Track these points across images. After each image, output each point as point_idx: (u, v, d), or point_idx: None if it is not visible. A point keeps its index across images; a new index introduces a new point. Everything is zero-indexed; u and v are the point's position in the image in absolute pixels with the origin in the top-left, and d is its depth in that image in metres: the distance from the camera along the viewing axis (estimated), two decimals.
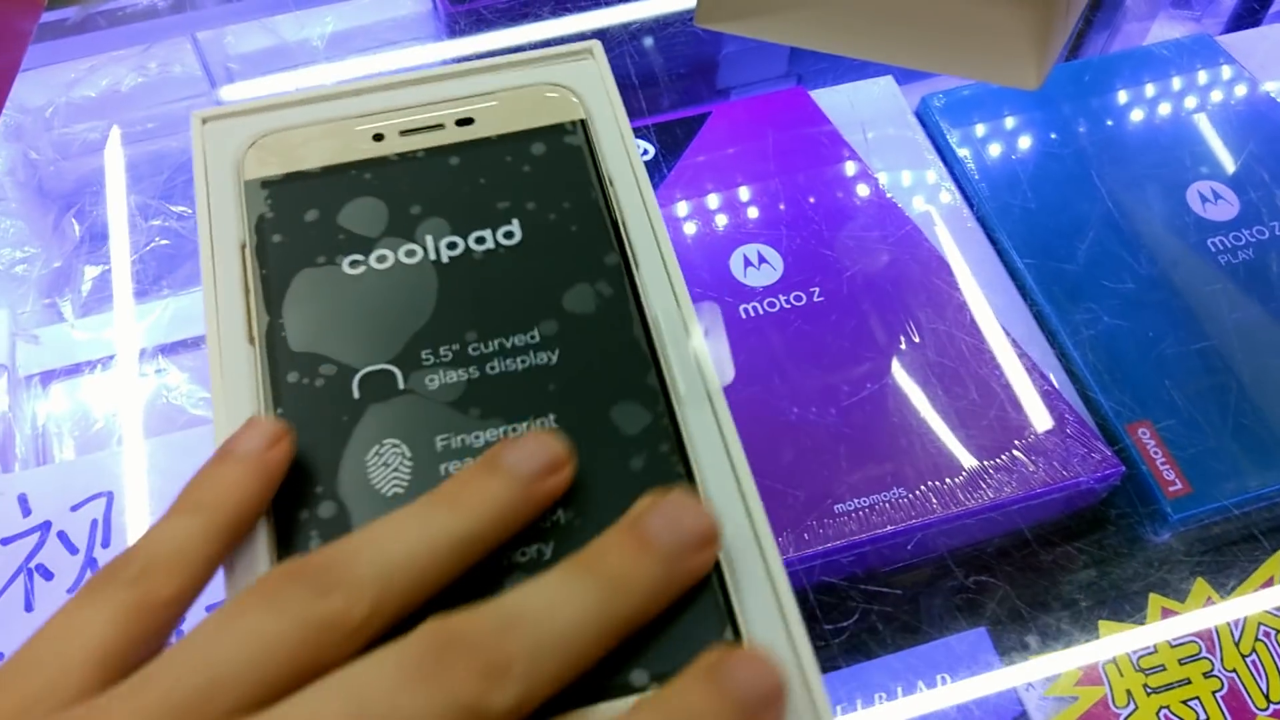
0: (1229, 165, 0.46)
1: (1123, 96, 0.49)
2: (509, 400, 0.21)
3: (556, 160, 0.25)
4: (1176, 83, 0.49)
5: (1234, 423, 0.38)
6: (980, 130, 0.48)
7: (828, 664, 0.35)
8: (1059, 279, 0.42)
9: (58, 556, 0.37)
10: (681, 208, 0.46)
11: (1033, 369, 0.40)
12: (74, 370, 0.42)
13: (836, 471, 0.38)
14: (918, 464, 0.38)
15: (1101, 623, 0.36)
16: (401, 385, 0.21)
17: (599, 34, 0.51)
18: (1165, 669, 0.35)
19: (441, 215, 0.24)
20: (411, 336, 0.22)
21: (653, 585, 0.18)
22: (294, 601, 0.17)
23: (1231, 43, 0.51)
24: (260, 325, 0.22)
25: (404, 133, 0.25)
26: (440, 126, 0.25)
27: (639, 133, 0.48)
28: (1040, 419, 0.39)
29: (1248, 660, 0.35)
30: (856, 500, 0.37)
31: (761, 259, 0.44)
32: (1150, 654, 0.35)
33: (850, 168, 0.47)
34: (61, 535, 0.37)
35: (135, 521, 0.37)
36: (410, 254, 0.23)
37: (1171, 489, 0.37)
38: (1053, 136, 0.47)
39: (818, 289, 0.43)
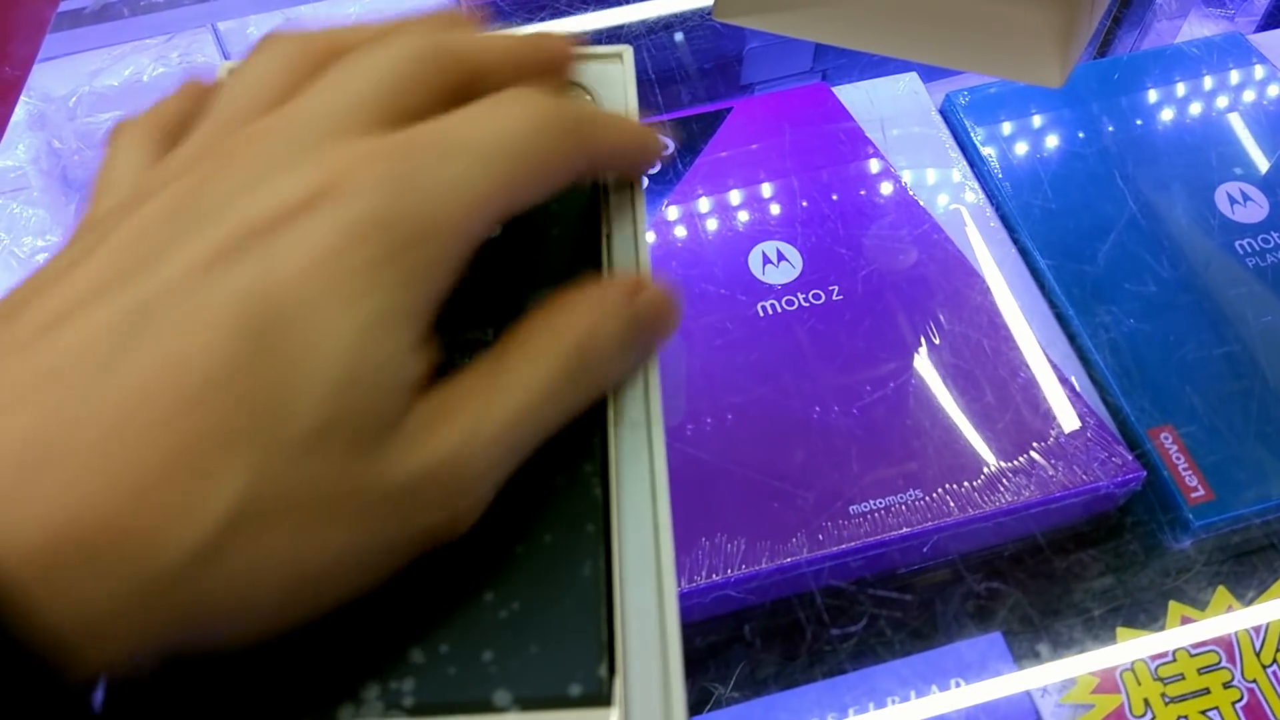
0: (1260, 166, 0.45)
1: (1151, 95, 0.48)
2: None
3: None
4: (1207, 82, 0.49)
5: (1258, 429, 0.38)
6: (1005, 129, 0.47)
7: (834, 668, 0.35)
8: (1081, 280, 0.42)
9: None
10: (702, 204, 0.45)
11: (1053, 371, 0.39)
12: None
13: (851, 472, 0.37)
14: (935, 466, 0.37)
15: (1119, 630, 0.35)
16: None
17: (618, 29, 0.51)
18: (1184, 678, 0.34)
19: None
20: None
21: None
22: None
23: (1264, 42, 0.50)
24: None
25: None
26: None
27: (659, 128, 0.47)
28: (1060, 422, 0.38)
29: (1269, 671, 0.34)
30: (871, 502, 0.37)
31: (781, 256, 0.44)
32: (1169, 662, 0.34)
33: (872, 165, 0.46)
34: None
35: None
36: None
37: (1193, 495, 0.36)
38: (1079, 135, 0.47)
39: (837, 287, 0.42)
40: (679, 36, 0.53)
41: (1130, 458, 0.37)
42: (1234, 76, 0.49)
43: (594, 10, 0.52)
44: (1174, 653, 0.34)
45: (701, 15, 0.51)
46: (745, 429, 0.38)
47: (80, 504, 0.14)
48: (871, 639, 0.35)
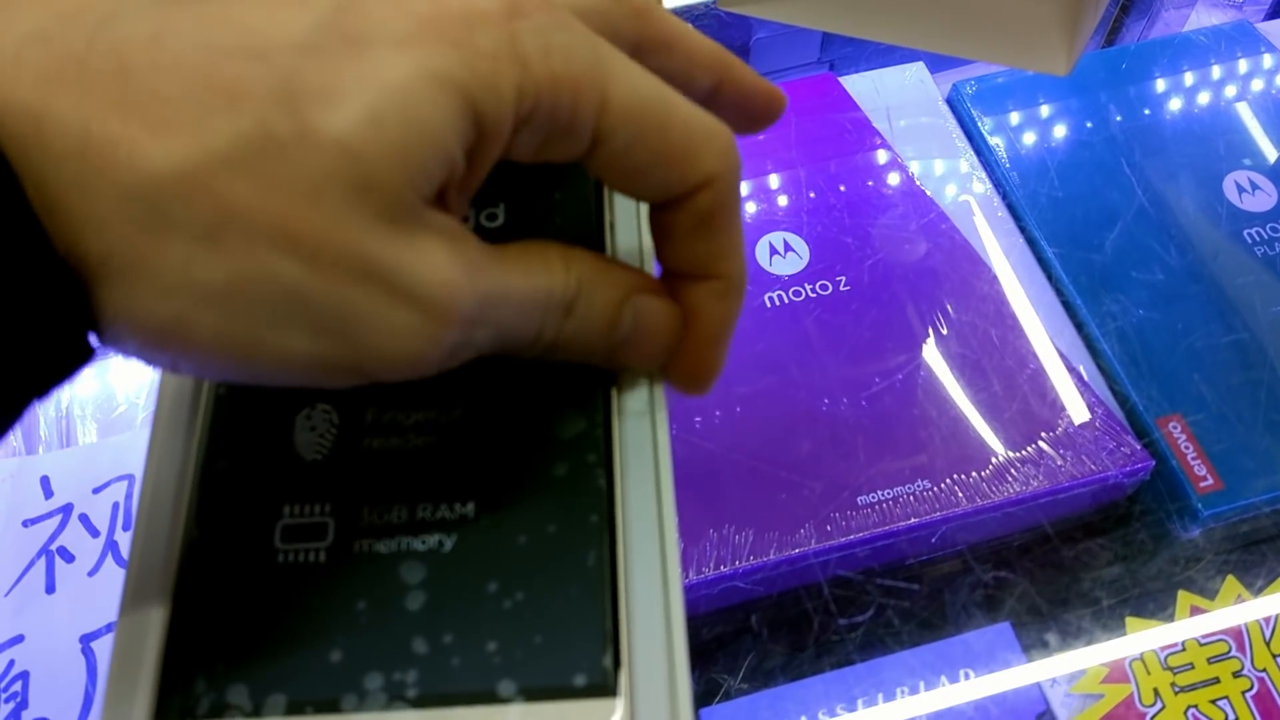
0: (1268, 155, 0.45)
1: (1159, 84, 0.48)
2: (442, 385, 0.20)
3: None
4: (1215, 71, 0.48)
5: (1267, 418, 0.37)
6: (1012, 118, 0.47)
7: (842, 659, 0.35)
8: (1089, 269, 0.42)
9: (79, 539, 0.37)
10: None
11: (1061, 360, 0.39)
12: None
13: (859, 462, 0.37)
14: (942, 456, 0.37)
15: (1128, 619, 0.35)
16: None
17: None
18: (1193, 667, 0.34)
19: None
20: None
21: None
22: None
23: (1272, 30, 0.50)
24: None
25: None
26: None
27: None
28: (1068, 412, 0.38)
29: (1278, 660, 0.34)
30: (879, 492, 0.37)
31: (788, 247, 0.43)
32: (1178, 652, 0.34)
33: (879, 155, 0.46)
34: (83, 518, 0.38)
35: None
36: None
37: (1202, 484, 0.36)
38: (1086, 125, 0.47)
39: (844, 278, 0.42)
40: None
41: (1138, 447, 0.37)
42: (1242, 65, 0.48)
43: None
44: (1183, 642, 0.34)
45: (707, 5, 0.51)
46: (752, 420, 0.38)
47: (93, 107, 0.14)
48: (880, 629, 0.35)
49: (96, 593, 0.36)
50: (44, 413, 0.41)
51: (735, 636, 0.36)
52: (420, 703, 0.17)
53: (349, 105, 0.15)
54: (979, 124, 0.47)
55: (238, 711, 0.17)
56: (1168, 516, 0.37)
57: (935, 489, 0.36)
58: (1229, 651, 0.34)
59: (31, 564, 0.37)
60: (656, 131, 0.18)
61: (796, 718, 0.34)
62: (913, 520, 0.36)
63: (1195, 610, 0.35)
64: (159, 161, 0.14)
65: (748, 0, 0.35)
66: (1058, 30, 0.32)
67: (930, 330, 0.40)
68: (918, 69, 0.49)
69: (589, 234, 0.23)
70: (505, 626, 0.18)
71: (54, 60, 0.14)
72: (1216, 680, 0.34)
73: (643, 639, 0.18)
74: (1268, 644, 0.34)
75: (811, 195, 0.45)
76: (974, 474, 0.37)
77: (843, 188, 0.45)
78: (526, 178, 0.23)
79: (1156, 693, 0.34)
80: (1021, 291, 0.41)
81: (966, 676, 0.34)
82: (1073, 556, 0.37)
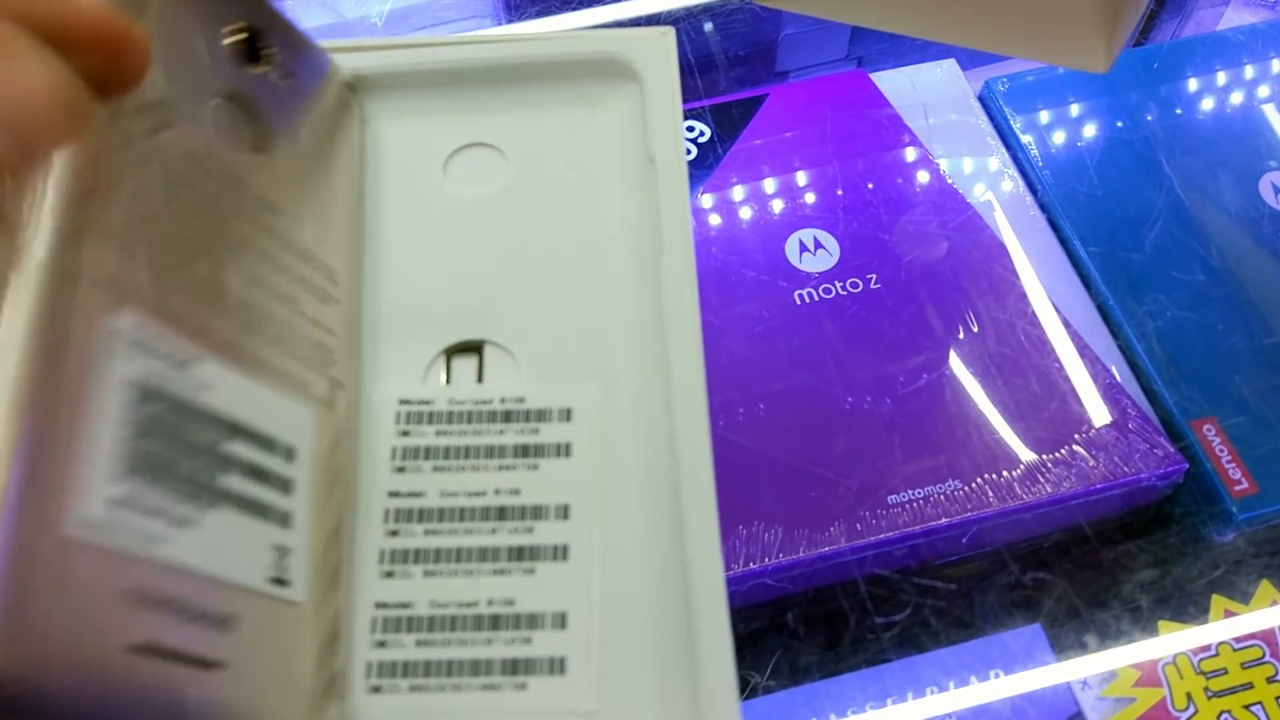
0: None
1: (1193, 83, 0.48)
2: None
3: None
4: (1249, 70, 0.48)
5: None
6: (1045, 116, 0.47)
7: (878, 656, 0.34)
8: (1124, 269, 0.41)
9: None
10: (737, 191, 0.45)
11: (1095, 361, 0.39)
12: None
13: (891, 461, 0.37)
14: (974, 456, 0.37)
15: (1161, 623, 0.35)
16: None
17: (656, 16, 0.51)
18: (1227, 672, 0.34)
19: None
20: None
21: None
22: None
23: None
24: None
25: None
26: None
27: (695, 114, 0.47)
28: (1101, 413, 0.38)
29: None
30: (910, 491, 0.36)
31: (818, 244, 0.43)
32: (1212, 656, 0.34)
33: (910, 153, 0.46)
34: None
35: None
36: None
37: (1237, 488, 0.36)
38: (1119, 123, 0.46)
39: (875, 275, 0.42)
40: (710, 26, 0.53)
41: (1172, 450, 0.37)
42: (1276, 65, 0.48)
43: None
44: (1217, 646, 0.34)
45: (738, 0, 0.51)
46: (782, 417, 0.38)
47: None
48: (915, 628, 0.35)
49: None
50: None
51: (765, 634, 0.36)
52: None
53: None
54: (1011, 122, 0.46)
55: None
56: (1202, 520, 0.37)
57: (966, 489, 0.36)
58: (1263, 656, 0.34)
59: None
60: None
61: (826, 715, 0.34)
62: (943, 520, 0.36)
63: (1229, 614, 0.35)
64: None
65: None
66: (1097, 27, 0.31)
67: (962, 329, 0.40)
68: (949, 66, 0.49)
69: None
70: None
71: None
72: (1250, 685, 0.34)
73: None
74: None
75: (841, 192, 0.45)
76: (1005, 474, 0.37)
77: (872, 185, 0.45)
78: None
79: (1189, 697, 0.33)
80: (1055, 291, 0.41)
81: (997, 676, 0.34)
82: (1109, 559, 0.37)
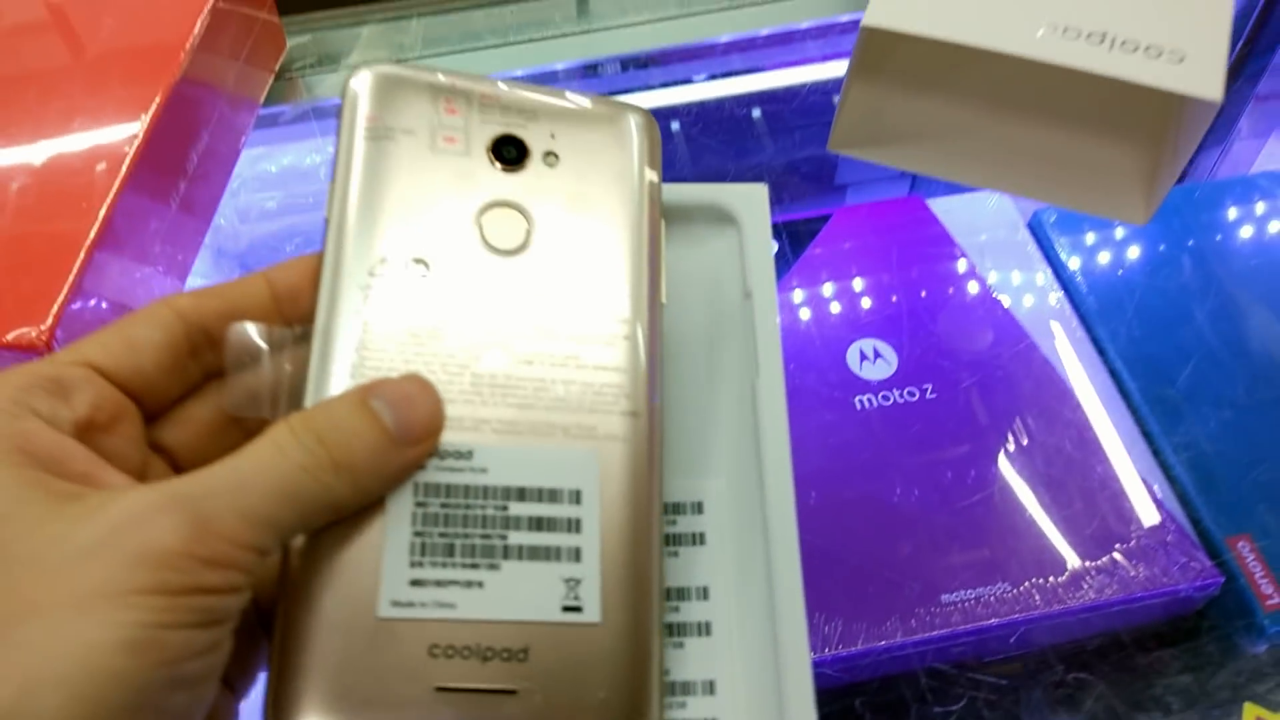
0: None
1: (1233, 220, 0.51)
2: None
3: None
4: None
5: None
6: (1090, 245, 0.51)
7: None
8: (1164, 392, 0.45)
9: None
10: (801, 299, 0.49)
11: (1136, 477, 0.42)
12: None
13: (944, 563, 0.40)
14: (1022, 561, 0.40)
15: None
16: None
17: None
18: None
19: None
20: None
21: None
22: None
23: None
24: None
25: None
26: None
27: None
28: (1142, 526, 0.41)
29: None
30: (962, 591, 0.40)
31: (877, 354, 0.47)
32: None
33: (965, 275, 0.50)
34: None
35: None
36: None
37: (1269, 602, 0.39)
38: (1163, 256, 0.50)
39: (930, 385, 0.46)
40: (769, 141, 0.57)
41: (1209, 564, 0.40)
42: None
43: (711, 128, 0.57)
44: None
45: (800, 125, 0.55)
46: (844, 518, 0.42)
47: None
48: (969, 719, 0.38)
49: None
50: None
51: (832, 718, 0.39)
52: None
53: None
54: (1059, 249, 0.50)
55: None
56: (1235, 631, 0.40)
57: (1015, 591, 0.39)
58: None
59: None
60: None
61: None
62: (992, 620, 0.39)
63: None
64: None
65: (854, 144, 0.39)
66: (1138, 181, 0.35)
67: (1012, 441, 0.44)
68: (1000, 196, 0.53)
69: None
70: None
71: None
72: None
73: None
74: None
75: (899, 306, 0.49)
76: (1051, 579, 0.40)
77: (929, 302, 0.49)
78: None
79: None
80: (1098, 410, 0.44)
81: None
82: (1145, 664, 0.39)
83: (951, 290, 0.49)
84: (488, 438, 0.22)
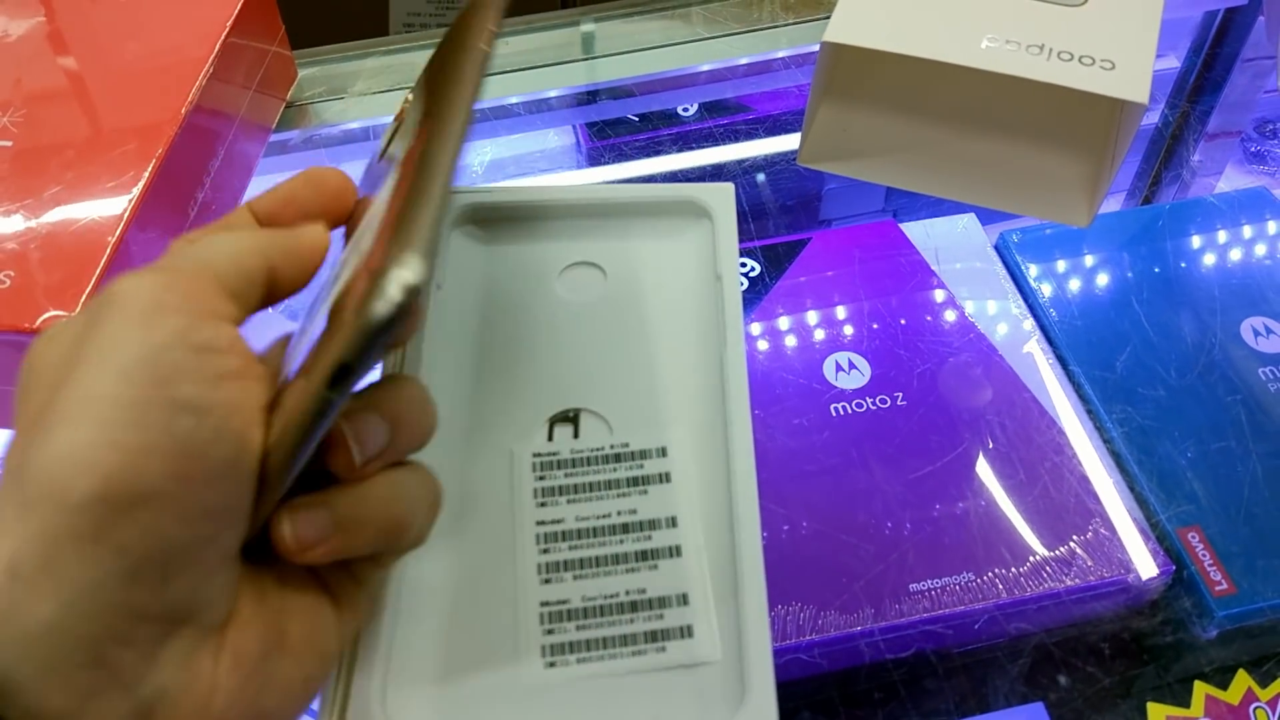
0: None
1: (1189, 240, 0.54)
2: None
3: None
4: (1241, 230, 0.55)
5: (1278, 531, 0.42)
6: (1052, 263, 0.54)
7: None
8: (1121, 396, 0.47)
9: None
10: (782, 319, 0.52)
11: (1095, 475, 0.45)
12: None
13: (914, 554, 0.42)
14: (986, 552, 0.42)
15: (1150, 704, 0.39)
16: None
17: (718, 169, 0.59)
18: None
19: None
20: None
21: None
22: None
23: None
24: None
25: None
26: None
27: (748, 253, 0.55)
28: (1100, 519, 0.43)
29: None
30: (929, 581, 0.42)
31: (851, 365, 0.50)
32: None
33: (935, 292, 0.53)
34: None
35: None
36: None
37: (1218, 588, 0.41)
38: (1118, 271, 0.53)
39: (901, 394, 0.48)
40: (762, 178, 0.61)
41: (1161, 553, 0.42)
42: (1269, 227, 0.55)
43: (695, 150, 0.61)
44: None
45: (787, 160, 0.59)
46: (816, 512, 0.44)
47: None
48: (934, 702, 0.40)
49: None
50: None
51: (800, 709, 0.41)
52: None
53: None
54: (1022, 267, 0.53)
55: None
56: (1187, 616, 0.42)
57: (979, 581, 0.42)
58: None
59: None
60: None
61: None
62: (958, 607, 0.41)
63: (1210, 699, 0.39)
64: None
65: (822, 159, 0.42)
66: (1081, 190, 0.38)
67: (976, 441, 0.46)
68: (969, 219, 0.56)
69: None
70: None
71: None
72: None
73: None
74: None
75: (871, 322, 0.51)
76: (1013, 570, 0.42)
77: (899, 317, 0.52)
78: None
79: None
80: (1058, 412, 0.47)
81: None
82: (1102, 647, 0.41)
83: (920, 306, 0.52)
84: None
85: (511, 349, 0.31)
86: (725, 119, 0.63)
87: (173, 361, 0.21)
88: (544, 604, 0.27)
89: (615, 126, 0.62)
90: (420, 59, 0.63)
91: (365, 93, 0.56)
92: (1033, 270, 0.53)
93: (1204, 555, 0.42)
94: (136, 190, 0.40)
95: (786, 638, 0.40)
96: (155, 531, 0.20)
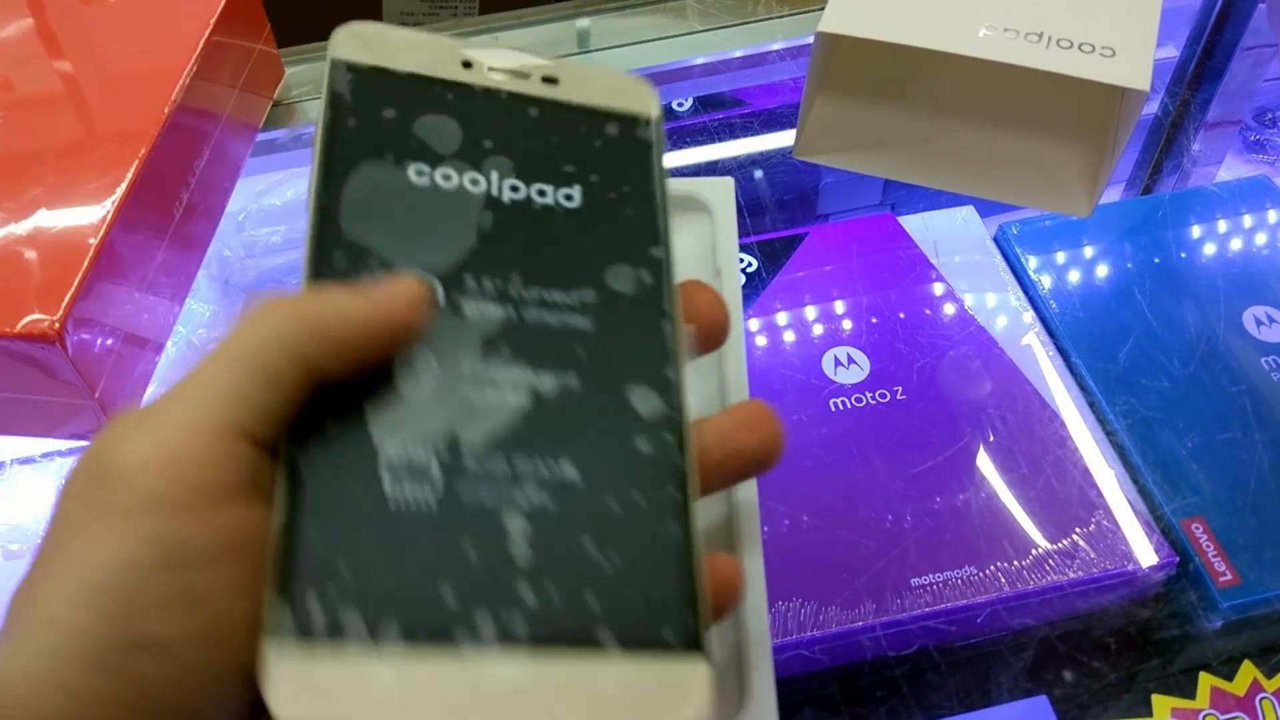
0: None
1: (1189, 230, 0.54)
2: (535, 350, 0.22)
3: (625, 146, 0.26)
4: (1242, 219, 0.54)
5: None
6: (1052, 256, 0.53)
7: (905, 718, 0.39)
8: (1123, 387, 0.47)
9: None
10: (780, 314, 0.52)
11: (1097, 467, 0.44)
12: None
13: (915, 549, 0.42)
14: (988, 545, 0.42)
15: (1154, 696, 0.39)
16: (440, 302, 0.22)
17: (713, 164, 0.59)
18: None
19: (510, 157, 0.24)
20: (459, 258, 0.23)
21: None
22: None
23: None
24: (317, 197, 0.23)
25: (492, 69, 0.26)
26: (526, 76, 0.26)
27: (745, 248, 0.54)
28: (1102, 511, 0.43)
29: None
30: (931, 575, 0.41)
31: (850, 360, 0.49)
32: None
33: (934, 285, 0.52)
34: None
35: None
36: (474, 182, 0.24)
37: (1222, 579, 0.41)
38: (1117, 261, 0.53)
39: (900, 388, 0.48)
40: (760, 174, 0.61)
41: (1165, 545, 0.41)
42: (1262, 217, 0.54)
43: (693, 146, 0.60)
44: (1204, 717, 0.38)
45: (783, 154, 0.58)
46: (817, 506, 0.44)
47: None
48: (937, 695, 0.39)
49: None
50: None
51: (802, 705, 0.41)
52: (527, 642, 0.19)
53: None
54: (1022, 260, 0.53)
55: (352, 633, 0.19)
56: (1192, 608, 0.41)
57: (981, 574, 0.41)
58: None
59: None
60: None
61: None
62: (960, 601, 0.41)
63: (1215, 690, 0.39)
64: None
65: (819, 151, 0.42)
66: (1082, 179, 0.38)
67: (977, 435, 0.46)
68: (968, 211, 0.56)
69: (655, 262, 0.25)
70: (602, 582, 0.20)
71: None
72: None
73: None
74: None
75: (874, 320, 0.51)
76: (1016, 563, 0.42)
77: (898, 310, 0.51)
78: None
79: None
80: (1060, 404, 0.47)
81: None
82: (1106, 640, 0.41)
83: (919, 300, 0.52)
84: None
85: None
86: (720, 113, 0.63)
87: (139, 585, 0.19)
88: None
89: None
90: None
91: None
92: (1032, 262, 0.53)
93: (1208, 546, 0.42)
94: (119, 191, 0.40)
95: (788, 634, 0.40)
96: None
